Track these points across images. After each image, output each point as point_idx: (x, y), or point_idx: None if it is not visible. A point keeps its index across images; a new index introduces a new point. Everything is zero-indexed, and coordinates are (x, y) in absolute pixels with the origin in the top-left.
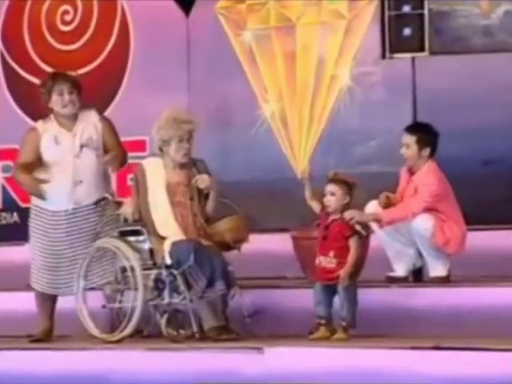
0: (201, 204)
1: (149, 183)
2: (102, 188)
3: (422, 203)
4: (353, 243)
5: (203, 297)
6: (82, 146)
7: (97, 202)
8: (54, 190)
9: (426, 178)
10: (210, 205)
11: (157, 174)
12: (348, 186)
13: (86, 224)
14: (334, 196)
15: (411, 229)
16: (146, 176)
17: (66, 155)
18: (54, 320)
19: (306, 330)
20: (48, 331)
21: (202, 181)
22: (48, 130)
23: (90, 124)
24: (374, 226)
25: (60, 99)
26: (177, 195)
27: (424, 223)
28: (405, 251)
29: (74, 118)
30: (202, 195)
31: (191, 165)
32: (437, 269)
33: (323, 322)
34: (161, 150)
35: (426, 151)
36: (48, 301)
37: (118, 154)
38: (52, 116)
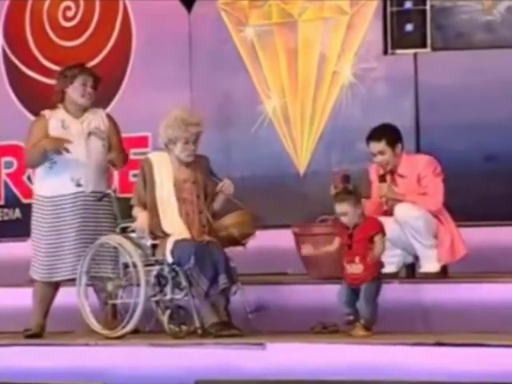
0: (207, 201)
1: (156, 177)
2: (105, 180)
3: (439, 189)
4: (378, 239)
5: (207, 297)
6: (89, 134)
7: (100, 198)
8: (61, 172)
9: (420, 164)
10: (218, 202)
11: (164, 169)
12: (353, 194)
13: (89, 210)
14: (347, 216)
15: (400, 223)
16: (153, 169)
17: (74, 140)
18: (48, 317)
19: (307, 326)
20: (42, 327)
21: (228, 187)
22: (55, 115)
23: (98, 116)
24: None
25: (82, 88)
26: (183, 192)
27: (410, 212)
28: (391, 253)
29: (84, 109)
30: (208, 192)
31: (201, 164)
32: (430, 263)
33: (351, 318)
34: (166, 146)
35: (399, 147)
36: (48, 295)
37: (121, 153)
38: (60, 106)
